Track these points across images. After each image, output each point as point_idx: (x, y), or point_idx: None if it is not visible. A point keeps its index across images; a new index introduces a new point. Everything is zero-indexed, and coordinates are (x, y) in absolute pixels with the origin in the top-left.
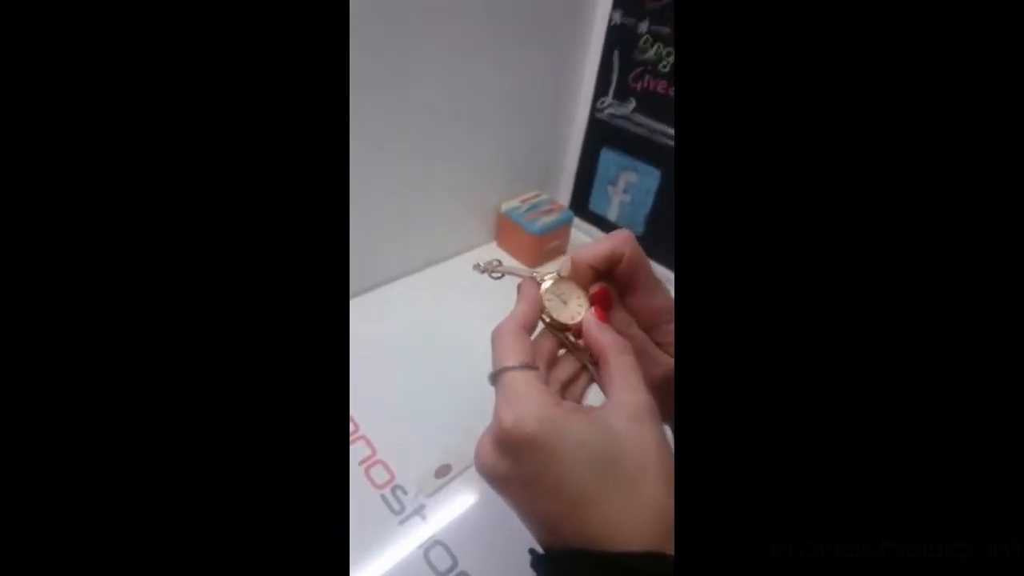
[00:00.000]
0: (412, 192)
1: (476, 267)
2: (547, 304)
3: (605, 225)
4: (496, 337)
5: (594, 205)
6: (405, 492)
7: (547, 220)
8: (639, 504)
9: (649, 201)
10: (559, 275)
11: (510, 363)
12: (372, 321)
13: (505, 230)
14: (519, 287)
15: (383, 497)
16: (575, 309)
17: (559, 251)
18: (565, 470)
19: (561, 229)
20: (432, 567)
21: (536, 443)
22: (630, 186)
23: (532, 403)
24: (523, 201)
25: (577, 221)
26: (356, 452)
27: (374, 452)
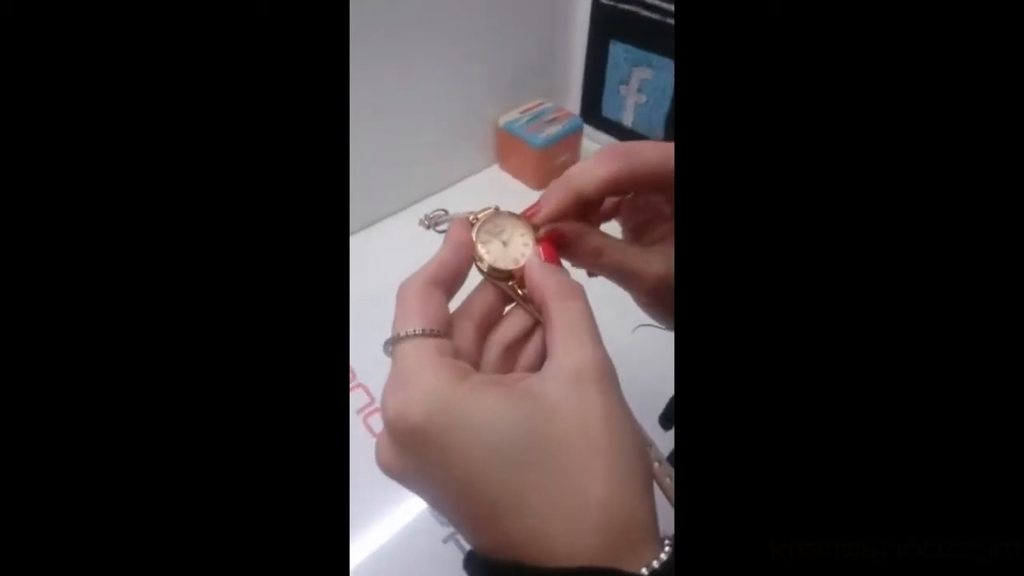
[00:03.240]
0: (395, 113)
1: (421, 222)
2: (481, 248)
3: (620, 132)
4: (398, 297)
5: (606, 110)
6: None
7: (552, 131)
8: (576, 502)
9: (667, 100)
10: (497, 209)
11: (405, 330)
12: (367, 260)
13: (506, 148)
14: (448, 229)
15: (365, 422)
16: (519, 250)
17: (569, 167)
18: (470, 465)
19: (570, 140)
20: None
21: (426, 435)
22: (645, 84)
23: (422, 383)
24: (524, 112)
25: (588, 130)
26: (355, 401)
27: (373, 400)
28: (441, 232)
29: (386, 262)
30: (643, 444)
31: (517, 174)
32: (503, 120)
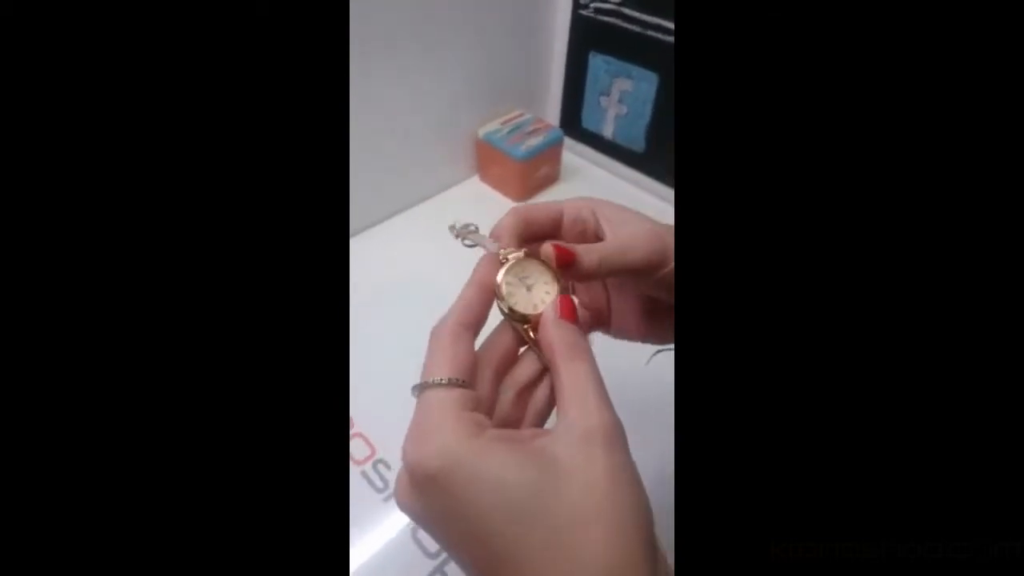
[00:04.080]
0: (370, 124)
1: (451, 228)
2: (506, 289)
3: (600, 144)
4: (431, 340)
5: (587, 122)
6: (388, 467)
7: (533, 142)
8: (576, 565)
9: (648, 111)
10: (525, 253)
11: (433, 377)
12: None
13: (486, 159)
14: (476, 266)
15: (363, 473)
16: (540, 297)
17: (550, 179)
18: (476, 519)
19: (550, 152)
20: (422, 547)
21: (439, 485)
22: (625, 95)
23: (440, 435)
24: (504, 123)
25: (569, 142)
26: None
27: (352, 424)
28: (468, 246)
29: (361, 278)
30: (647, 507)
31: (498, 186)
32: (483, 131)
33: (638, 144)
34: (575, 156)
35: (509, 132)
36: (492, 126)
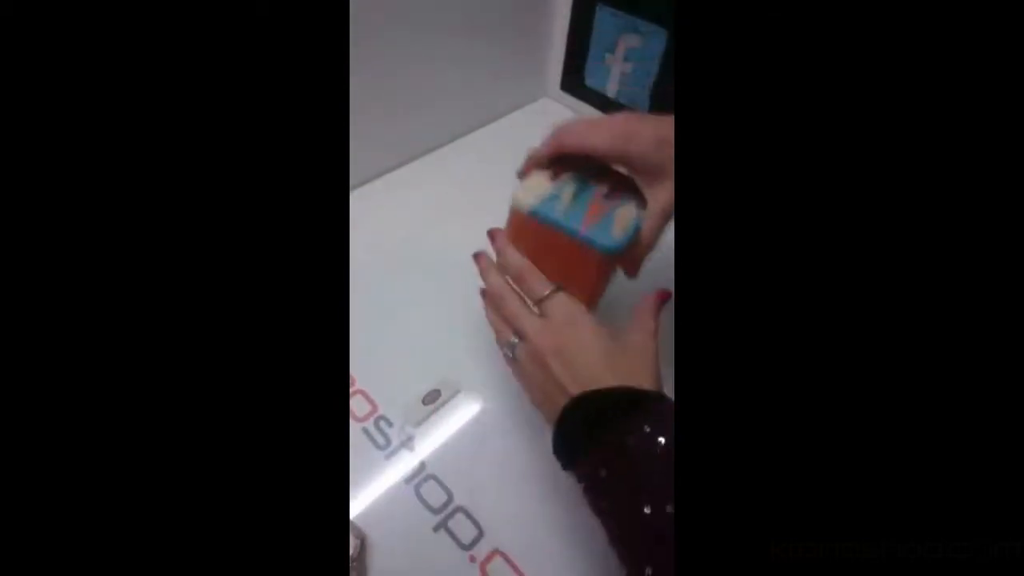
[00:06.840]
0: (360, 86)
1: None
2: None
3: (603, 103)
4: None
5: (590, 79)
6: (390, 424)
7: None
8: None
9: (654, 69)
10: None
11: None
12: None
13: None
14: None
15: (365, 431)
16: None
17: None
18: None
19: None
20: (425, 504)
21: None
22: (631, 52)
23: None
24: None
25: (570, 100)
26: (355, 408)
27: (353, 381)
28: None
29: (360, 232)
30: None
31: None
32: None
33: (642, 104)
34: (575, 115)
35: None
36: None
